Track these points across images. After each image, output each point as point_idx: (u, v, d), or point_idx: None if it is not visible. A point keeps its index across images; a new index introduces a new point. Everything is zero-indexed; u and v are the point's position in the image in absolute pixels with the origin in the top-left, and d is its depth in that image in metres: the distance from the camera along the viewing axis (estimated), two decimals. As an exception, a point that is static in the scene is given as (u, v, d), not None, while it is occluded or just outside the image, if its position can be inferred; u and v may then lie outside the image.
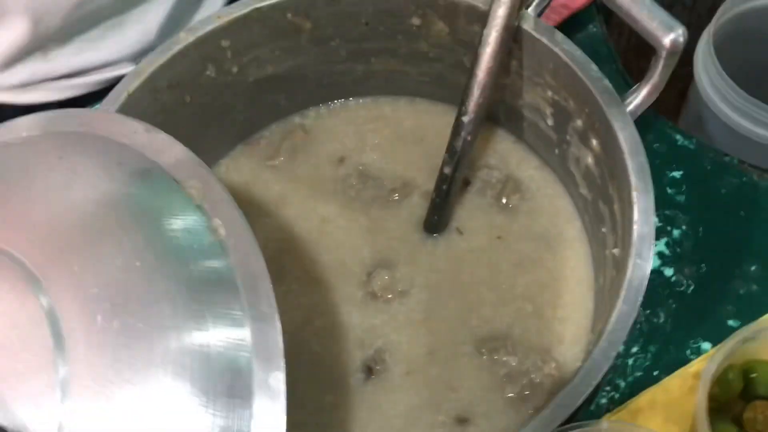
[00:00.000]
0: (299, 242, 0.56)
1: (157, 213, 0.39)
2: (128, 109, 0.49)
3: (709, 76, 0.68)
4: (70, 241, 0.38)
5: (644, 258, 0.41)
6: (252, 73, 0.56)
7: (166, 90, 0.52)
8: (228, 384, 0.35)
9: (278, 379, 0.35)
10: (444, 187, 0.53)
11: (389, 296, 0.53)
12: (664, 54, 0.43)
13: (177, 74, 0.52)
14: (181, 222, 0.39)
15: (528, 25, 0.49)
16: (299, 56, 0.56)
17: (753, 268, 0.49)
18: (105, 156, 0.41)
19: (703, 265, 0.50)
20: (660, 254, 0.50)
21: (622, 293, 0.40)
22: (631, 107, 0.46)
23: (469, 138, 0.51)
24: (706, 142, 0.72)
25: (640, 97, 0.46)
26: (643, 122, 0.54)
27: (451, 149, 0.52)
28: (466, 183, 0.57)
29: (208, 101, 0.55)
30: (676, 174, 0.53)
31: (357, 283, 0.54)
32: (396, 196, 0.57)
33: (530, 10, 0.50)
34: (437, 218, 0.55)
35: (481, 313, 0.53)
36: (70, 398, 0.34)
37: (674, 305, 0.49)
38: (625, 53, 0.71)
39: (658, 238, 0.51)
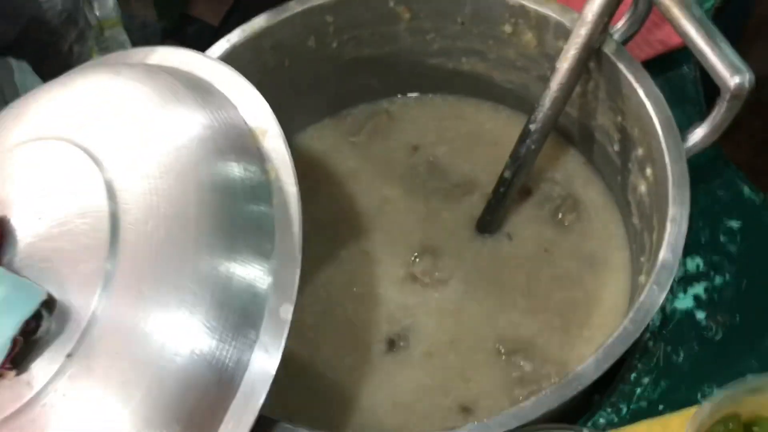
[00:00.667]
0: (358, 215, 0.60)
1: (222, 145, 0.43)
2: (230, 59, 0.53)
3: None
4: (146, 154, 0.43)
5: (661, 286, 0.42)
6: (350, 51, 0.60)
7: (268, 51, 0.57)
8: (243, 305, 0.39)
9: (287, 311, 0.39)
10: (501, 190, 0.56)
11: (427, 281, 0.56)
12: (727, 96, 0.44)
13: (281, 38, 0.57)
14: (241, 158, 0.43)
15: (609, 49, 0.50)
16: (396, 43, 0.60)
17: (788, 330, 0.49)
18: (194, 92, 0.46)
19: (737, 316, 0.49)
20: (696, 297, 0.50)
21: (631, 314, 0.41)
22: (688, 144, 0.46)
23: (533, 147, 0.53)
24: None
25: (698, 135, 0.46)
26: (713, 169, 0.55)
27: (514, 155, 0.54)
28: (528, 192, 0.59)
29: (305, 70, 0.60)
30: (734, 224, 0.53)
31: (402, 263, 0.57)
32: (458, 192, 0.60)
33: (616, 36, 0.51)
34: (489, 219, 0.57)
35: (510, 316, 0.54)
36: (108, 290, 0.39)
37: (697, 348, 0.49)
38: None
39: (697, 280, 0.51)
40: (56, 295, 0.40)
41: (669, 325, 0.50)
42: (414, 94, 0.65)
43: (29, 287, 0.39)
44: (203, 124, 0.44)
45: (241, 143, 0.44)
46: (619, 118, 0.52)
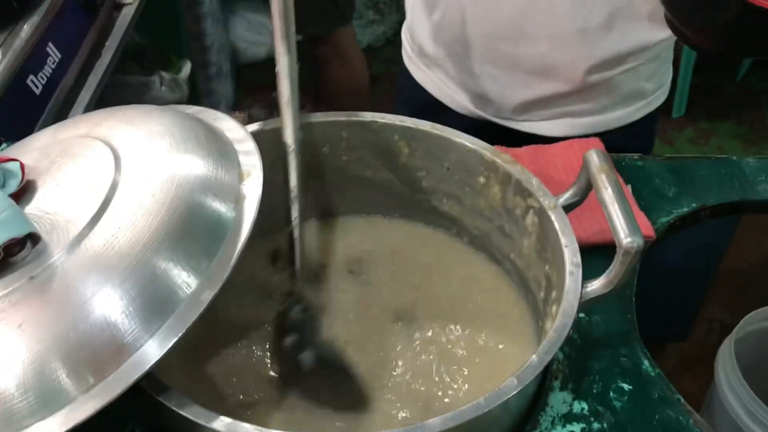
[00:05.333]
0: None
1: (212, 182, 0.54)
2: (259, 137, 0.64)
3: (728, 377, 0.73)
4: (155, 173, 0.53)
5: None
6: (355, 168, 0.72)
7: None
8: (169, 291, 0.48)
9: (209, 295, 0.48)
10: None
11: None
12: (621, 252, 0.52)
13: (301, 137, 0.69)
14: (220, 194, 0.53)
15: (550, 209, 0.60)
16: (393, 173, 0.72)
17: (641, 484, 0.52)
18: (212, 143, 0.58)
19: (602, 460, 0.54)
20: (571, 432, 0.55)
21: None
22: (587, 289, 0.54)
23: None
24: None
25: (597, 284, 0.54)
26: (624, 340, 0.62)
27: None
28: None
29: (314, 171, 0.72)
30: (626, 386, 0.58)
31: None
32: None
33: (560, 201, 0.61)
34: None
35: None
36: (74, 247, 0.49)
37: (556, 474, 0.53)
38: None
39: (577, 421, 0.56)
40: (44, 236, 0.50)
41: (539, 448, 0.55)
42: (406, 219, 0.75)
43: (24, 220, 0.50)
44: (205, 167, 0.55)
45: (227, 181, 0.55)
46: (547, 267, 0.60)
